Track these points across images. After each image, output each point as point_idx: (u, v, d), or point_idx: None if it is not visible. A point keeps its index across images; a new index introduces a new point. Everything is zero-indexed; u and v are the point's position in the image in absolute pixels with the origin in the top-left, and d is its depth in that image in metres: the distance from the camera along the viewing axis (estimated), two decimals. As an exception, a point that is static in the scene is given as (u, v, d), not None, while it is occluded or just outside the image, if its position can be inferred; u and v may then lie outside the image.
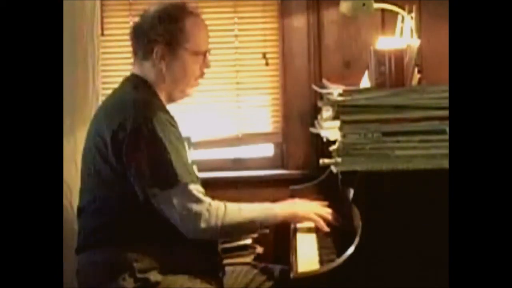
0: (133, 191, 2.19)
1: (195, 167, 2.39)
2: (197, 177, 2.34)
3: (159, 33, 2.31)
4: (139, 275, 2.19)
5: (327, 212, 2.40)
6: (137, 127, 2.18)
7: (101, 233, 2.25)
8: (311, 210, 2.38)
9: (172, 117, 2.31)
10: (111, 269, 2.21)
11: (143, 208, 2.19)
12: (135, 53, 2.38)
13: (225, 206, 2.22)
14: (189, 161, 2.32)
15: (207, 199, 2.21)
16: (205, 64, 2.40)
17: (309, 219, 2.37)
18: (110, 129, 2.21)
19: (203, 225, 2.17)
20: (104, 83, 3.02)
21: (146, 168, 2.18)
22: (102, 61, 3.07)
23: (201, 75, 2.41)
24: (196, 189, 2.21)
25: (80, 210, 2.34)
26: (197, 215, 2.17)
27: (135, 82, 2.35)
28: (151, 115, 2.20)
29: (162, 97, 2.35)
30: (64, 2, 2.22)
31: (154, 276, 2.20)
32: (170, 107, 2.44)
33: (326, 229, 2.34)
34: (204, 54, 2.39)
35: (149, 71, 2.34)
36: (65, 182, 2.65)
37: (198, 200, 2.18)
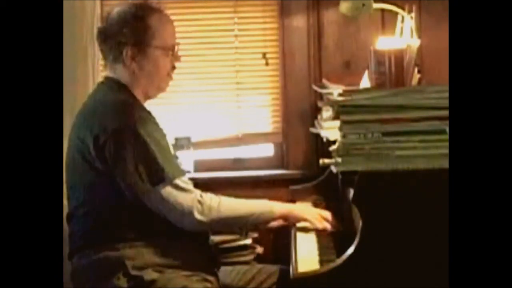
0: (121, 191, 2.20)
1: (178, 161, 2.42)
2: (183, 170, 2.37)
3: (126, 35, 2.32)
4: (133, 273, 2.19)
5: (326, 216, 2.39)
6: (118, 128, 2.19)
7: (92, 235, 2.25)
8: (309, 212, 2.39)
9: (152, 116, 2.33)
10: (104, 269, 2.21)
11: (132, 207, 2.20)
12: (105, 57, 2.40)
13: (219, 198, 2.24)
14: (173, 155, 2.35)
15: (197, 191, 2.23)
16: (175, 58, 2.41)
17: (304, 219, 2.37)
18: (92, 133, 2.22)
19: (198, 216, 2.19)
20: (104, 83, 3.02)
21: (132, 167, 2.18)
22: (102, 61, 3.06)
23: (173, 69, 2.42)
24: (184, 181, 2.23)
25: (69, 216, 2.34)
26: (190, 207, 2.19)
27: (110, 85, 2.36)
28: (129, 114, 2.22)
29: (139, 96, 2.37)
30: (64, 2, 2.22)
31: (149, 274, 2.19)
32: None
33: (320, 228, 2.33)
34: (172, 48, 2.40)
35: (122, 73, 2.35)
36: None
37: (188, 192, 2.21)
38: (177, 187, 2.20)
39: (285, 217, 2.37)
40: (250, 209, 2.29)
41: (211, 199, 2.23)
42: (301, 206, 2.46)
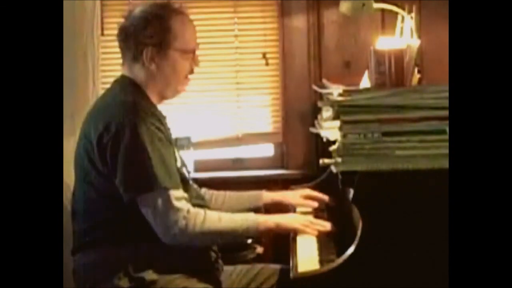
0: (120, 192, 2.20)
1: (185, 169, 2.38)
2: (187, 179, 2.34)
3: (147, 35, 2.30)
4: (134, 274, 2.18)
5: (317, 222, 2.34)
6: (120, 130, 2.18)
7: (93, 234, 2.25)
8: (297, 221, 2.34)
9: (160, 120, 2.29)
10: (105, 269, 2.21)
11: (132, 208, 2.19)
12: (123, 55, 2.38)
13: (205, 214, 2.20)
14: (178, 164, 2.31)
15: (185, 206, 2.18)
16: (195, 61, 2.39)
17: (293, 229, 2.32)
18: (96, 132, 2.22)
19: (177, 232, 2.15)
20: (104, 83, 3.02)
21: (127, 171, 2.17)
22: (102, 61, 3.07)
23: (191, 72, 2.40)
24: (175, 195, 2.18)
25: (72, 213, 2.34)
26: (173, 222, 2.15)
27: (124, 84, 2.34)
28: (135, 118, 2.19)
29: (153, 97, 2.35)
30: (64, 2, 2.22)
31: (150, 275, 2.19)
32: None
33: (315, 233, 2.29)
34: (193, 51, 2.38)
35: (139, 72, 2.34)
36: (65, 182, 2.65)
37: (175, 207, 2.16)
38: (166, 199, 2.15)
39: (272, 230, 2.32)
40: (234, 226, 2.22)
41: (196, 215, 2.17)
42: (290, 215, 2.47)
